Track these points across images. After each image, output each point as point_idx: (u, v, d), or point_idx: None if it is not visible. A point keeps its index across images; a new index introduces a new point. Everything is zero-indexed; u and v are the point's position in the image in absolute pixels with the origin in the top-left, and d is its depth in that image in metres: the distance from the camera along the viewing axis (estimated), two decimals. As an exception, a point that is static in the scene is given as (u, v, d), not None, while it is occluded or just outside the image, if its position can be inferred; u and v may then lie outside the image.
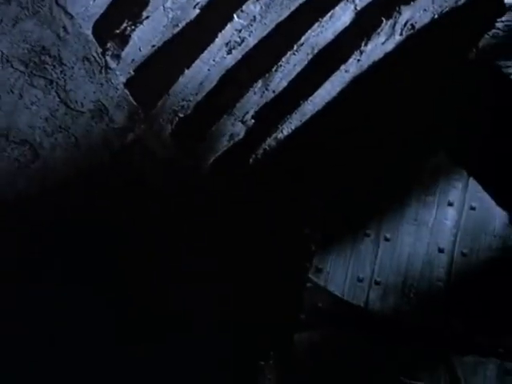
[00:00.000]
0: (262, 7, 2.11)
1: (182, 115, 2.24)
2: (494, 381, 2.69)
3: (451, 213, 2.96)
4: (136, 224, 2.13)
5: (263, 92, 2.33)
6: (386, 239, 3.00)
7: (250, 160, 2.48)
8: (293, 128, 2.49)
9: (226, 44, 2.16)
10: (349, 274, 3.00)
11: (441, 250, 2.91)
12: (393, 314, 2.89)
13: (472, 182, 2.96)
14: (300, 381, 2.87)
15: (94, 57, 1.86)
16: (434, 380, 2.75)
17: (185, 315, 2.61)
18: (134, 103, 2.04)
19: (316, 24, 2.24)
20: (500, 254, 2.84)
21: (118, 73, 1.98)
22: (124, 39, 1.93)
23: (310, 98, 2.45)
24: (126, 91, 2.01)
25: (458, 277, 2.86)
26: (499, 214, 2.89)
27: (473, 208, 2.93)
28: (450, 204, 2.97)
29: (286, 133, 2.49)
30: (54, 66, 1.75)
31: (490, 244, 2.86)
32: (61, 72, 1.77)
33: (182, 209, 2.30)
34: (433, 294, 2.87)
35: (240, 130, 2.40)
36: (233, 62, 2.22)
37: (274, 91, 2.36)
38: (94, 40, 1.83)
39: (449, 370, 2.74)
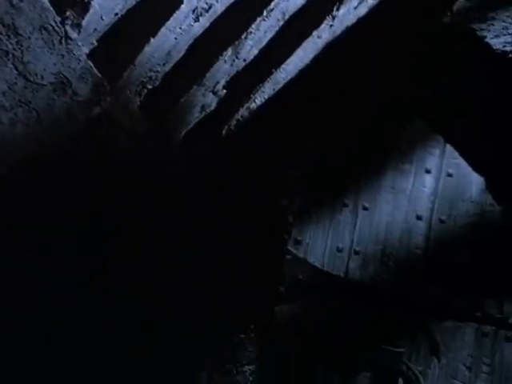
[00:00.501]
0: (229, -29, 2.04)
1: (150, 87, 2.17)
2: (471, 344, 2.72)
3: (429, 180, 2.94)
4: (104, 199, 2.07)
5: (233, 61, 2.26)
6: (365, 208, 2.98)
7: (223, 131, 2.43)
8: (266, 97, 2.43)
9: (193, 11, 2.08)
10: (328, 244, 2.99)
11: (419, 218, 2.91)
12: (372, 282, 2.89)
13: (449, 148, 2.95)
14: (281, 353, 2.87)
15: (52, 26, 1.77)
16: (414, 346, 2.77)
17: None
18: (99, 75, 1.96)
19: (286, -12, 2.17)
20: (477, 220, 2.84)
21: (79, 43, 1.90)
22: (84, 7, 1.85)
23: (283, 66, 2.39)
24: (90, 62, 1.93)
25: (436, 244, 2.87)
26: (476, 180, 2.89)
27: (450, 175, 2.92)
28: (428, 171, 2.95)
29: (258, 102, 2.43)
30: (9, 36, 1.67)
31: (467, 210, 2.86)
32: (17, 43, 1.68)
33: (153, 182, 2.24)
34: (411, 261, 2.88)
35: (211, 101, 2.34)
36: (201, 30, 2.15)
37: (244, 60, 2.30)
38: (51, 8, 1.74)
39: (428, 335, 2.77)
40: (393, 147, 3.00)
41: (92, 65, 1.93)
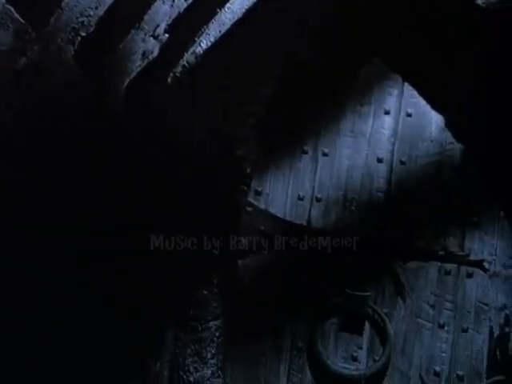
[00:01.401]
0: None
1: (83, 34, 2.00)
2: (435, 282, 2.73)
3: (388, 121, 2.87)
4: (40, 155, 1.92)
5: (173, 1, 2.10)
6: (324, 154, 2.91)
7: (169, 79, 2.28)
8: (212, 40, 2.28)
9: None
10: (289, 193, 2.92)
11: (379, 160, 2.85)
12: (335, 228, 2.85)
13: (407, 87, 2.87)
14: (246, 306, 2.83)
15: (-39, -34, 1.59)
16: (379, 289, 2.77)
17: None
18: (21, 20, 1.79)
19: None
20: (438, 159, 2.80)
21: (-5, -15, 1.71)
22: None
23: (228, 5, 2.23)
24: (9, 7, 1.75)
25: (397, 186, 2.83)
26: (435, 119, 2.83)
27: (409, 114, 2.86)
28: (387, 112, 2.88)
29: (204, 46, 2.27)
30: None
31: (427, 149, 2.82)
32: None
33: (94, 135, 2.09)
34: (374, 205, 2.84)
35: (153, 47, 2.17)
36: (135, -33, 1.97)
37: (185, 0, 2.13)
38: None
39: (393, 277, 2.76)
40: (351, 89, 2.91)
41: (12, 9, 1.75)
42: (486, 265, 2.68)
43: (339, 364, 2.72)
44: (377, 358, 2.70)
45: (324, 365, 2.72)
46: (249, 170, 2.84)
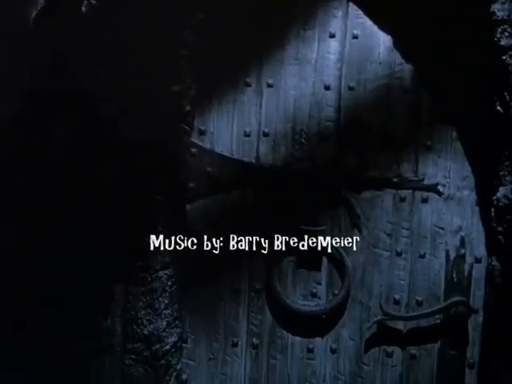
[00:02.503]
0: None
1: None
2: (390, 211, 2.66)
3: (334, 45, 2.70)
4: None
5: None
6: (269, 85, 2.73)
7: (82, 7, 2.01)
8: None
9: None
10: (234, 130, 2.76)
11: (327, 88, 2.70)
12: (285, 163, 2.72)
13: (352, 7, 2.68)
14: (199, 251, 2.71)
15: None
16: (334, 222, 2.69)
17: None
18: None
19: None
20: (387, 82, 2.67)
21: None
22: None
23: None
24: None
25: (347, 113, 2.70)
26: (383, 39, 2.68)
27: (355, 36, 2.69)
28: (332, 36, 2.70)
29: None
30: None
31: (375, 72, 2.68)
32: None
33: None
34: (324, 135, 2.71)
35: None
36: None
37: None
38: None
39: (348, 209, 2.67)
40: (293, 13, 2.70)
41: None
42: (440, 188, 2.61)
43: (299, 302, 2.66)
44: (336, 292, 2.64)
45: (283, 304, 2.65)
46: (188, 108, 2.63)
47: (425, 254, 2.62)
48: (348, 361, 2.66)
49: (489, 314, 2.47)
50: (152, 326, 2.50)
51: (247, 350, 2.70)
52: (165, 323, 2.55)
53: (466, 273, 2.58)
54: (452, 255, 2.60)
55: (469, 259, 2.59)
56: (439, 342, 2.60)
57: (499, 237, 2.33)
